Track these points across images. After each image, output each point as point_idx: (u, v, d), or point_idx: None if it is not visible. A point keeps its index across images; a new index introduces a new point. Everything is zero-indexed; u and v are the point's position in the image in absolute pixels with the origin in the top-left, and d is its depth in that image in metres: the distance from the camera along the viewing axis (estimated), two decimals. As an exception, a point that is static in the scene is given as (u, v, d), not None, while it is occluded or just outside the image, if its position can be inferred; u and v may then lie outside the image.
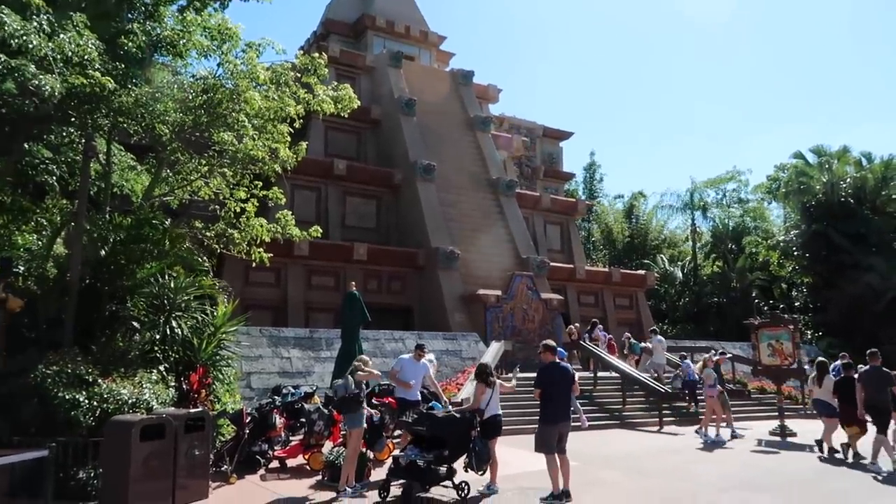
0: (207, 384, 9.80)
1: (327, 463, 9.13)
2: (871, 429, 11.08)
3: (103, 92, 9.83)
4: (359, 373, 8.54)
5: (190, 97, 11.85)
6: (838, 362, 16.46)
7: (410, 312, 23.37)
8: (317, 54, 13.61)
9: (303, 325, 19.47)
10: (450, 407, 9.93)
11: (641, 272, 31.73)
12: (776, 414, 15.53)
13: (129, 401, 8.23)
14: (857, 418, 11.23)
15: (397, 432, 10.73)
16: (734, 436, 14.23)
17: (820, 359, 13.73)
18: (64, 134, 11.43)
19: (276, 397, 10.61)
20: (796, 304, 37.09)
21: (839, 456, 11.76)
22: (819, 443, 12.28)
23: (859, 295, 29.84)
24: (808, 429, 14.87)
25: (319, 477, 9.18)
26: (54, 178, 11.68)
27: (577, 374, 8.84)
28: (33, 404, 7.93)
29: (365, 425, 8.69)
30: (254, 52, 12.12)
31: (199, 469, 8.06)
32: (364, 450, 8.97)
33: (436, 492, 8.24)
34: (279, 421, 10.12)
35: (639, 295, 29.67)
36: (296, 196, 23.18)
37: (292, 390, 11.09)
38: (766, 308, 35.28)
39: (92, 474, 7.71)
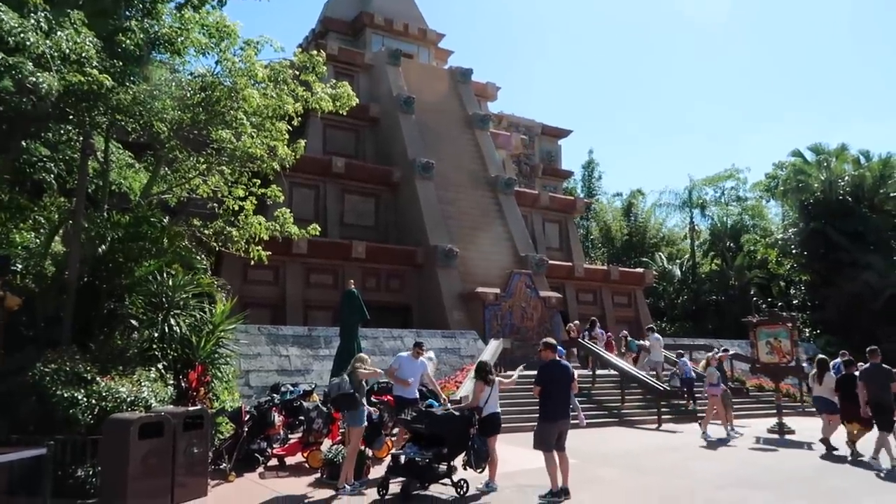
0: (206, 382, 9.79)
1: (326, 461, 9.13)
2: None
3: (101, 89, 9.81)
4: (361, 370, 8.50)
5: (188, 95, 11.83)
6: (838, 360, 16.47)
7: (409, 310, 23.37)
8: (315, 52, 13.58)
9: (301, 324, 19.47)
10: (448, 405, 9.93)
11: (640, 270, 31.77)
12: (774, 411, 15.56)
13: (128, 399, 8.22)
14: (859, 415, 11.24)
15: (395, 430, 10.73)
16: (730, 435, 14.23)
17: (820, 356, 13.74)
18: (62, 132, 11.40)
19: (274, 395, 10.60)
20: (794, 301, 37.16)
21: (837, 453, 11.77)
22: (824, 440, 12.23)
23: (857, 293, 29.90)
24: (806, 426, 14.90)
25: (318, 475, 9.17)
26: (52, 175, 11.67)
27: (576, 373, 8.85)
28: (32, 402, 7.93)
29: (366, 423, 8.69)
30: (252, 49, 12.09)
31: (198, 467, 8.05)
32: (363, 447, 8.97)
33: (435, 489, 8.25)
34: (278, 419, 10.11)
35: (637, 293, 29.69)
36: (294, 194, 23.15)
37: (291, 388, 11.09)
38: (764, 306, 35.36)
39: (90, 472, 7.70)
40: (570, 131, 38.21)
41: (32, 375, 8.07)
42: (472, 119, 29.18)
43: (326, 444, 10.01)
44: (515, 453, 10.33)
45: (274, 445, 10.06)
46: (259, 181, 14.30)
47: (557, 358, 8.72)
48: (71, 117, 10.63)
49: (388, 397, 10.60)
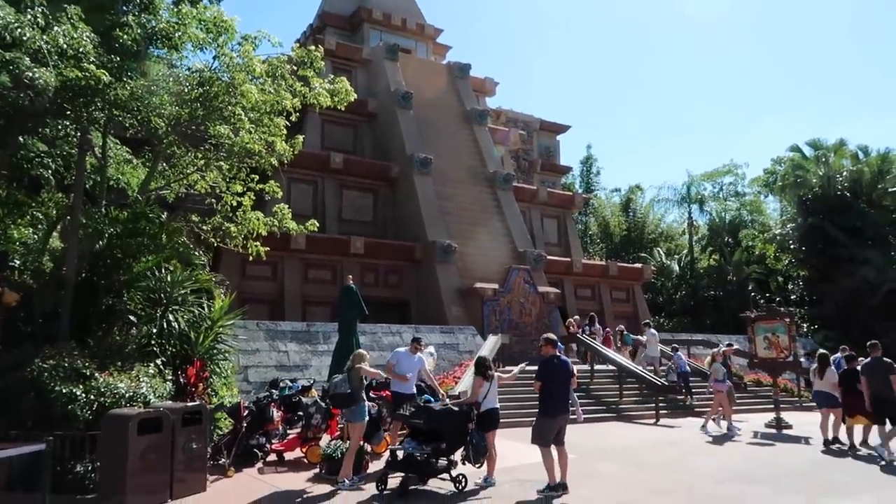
0: (205, 378, 9.80)
1: (325, 456, 9.14)
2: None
3: (98, 85, 9.80)
4: (362, 369, 8.46)
5: (186, 90, 11.81)
6: (838, 355, 16.52)
7: (407, 306, 23.39)
8: (313, 47, 13.55)
9: (300, 319, 19.47)
10: (447, 400, 9.95)
11: (638, 265, 31.80)
12: (772, 406, 15.60)
13: (127, 394, 8.23)
14: (863, 409, 11.30)
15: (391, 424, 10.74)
16: (731, 430, 14.25)
17: (821, 351, 13.76)
18: (59, 127, 11.38)
19: (273, 391, 10.63)
20: (792, 297, 37.23)
21: (835, 447, 11.81)
22: (835, 439, 12.19)
23: (855, 288, 29.93)
24: (804, 421, 14.95)
25: (317, 470, 9.19)
26: (50, 171, 11.65)
27: (575, 368, 8.86)
28: (30, 398, 7.93)
29: (367, 419, 8.69)
30: (250, 44, 12.07)
31: (197, 462, 8.06)
32: (361, 443, 8.99)
33: (433, 484, 8.26)
34: (277, 414, 10.13)
35: (635, 288, 29.72)
36: (292, 190, 23.11)
37: (289, 384, 11.12)
38: (762, 301, 35.35)
39: (89, 468, 7.72)
40: (568, 127, 38.20)
41: (31, 371, 8.08)
42: (470, 114, 29.14)
43: (325, 439, 10.04)
44: (514, 448, 10.34)
45: (273, 441, 10.08)
46: (257, 177, 14.28)
47: (558, 353, 8.74)
48: (68, 113, 10.61)
49: (386, 392, 10.62)
